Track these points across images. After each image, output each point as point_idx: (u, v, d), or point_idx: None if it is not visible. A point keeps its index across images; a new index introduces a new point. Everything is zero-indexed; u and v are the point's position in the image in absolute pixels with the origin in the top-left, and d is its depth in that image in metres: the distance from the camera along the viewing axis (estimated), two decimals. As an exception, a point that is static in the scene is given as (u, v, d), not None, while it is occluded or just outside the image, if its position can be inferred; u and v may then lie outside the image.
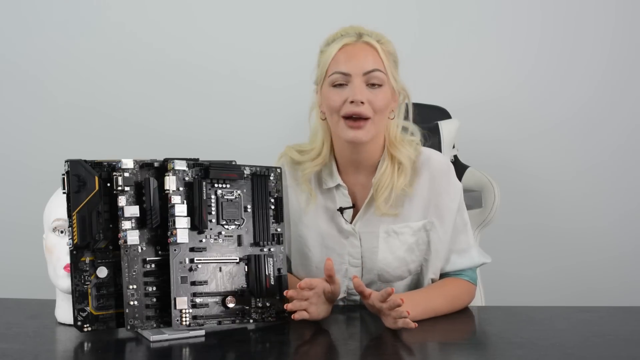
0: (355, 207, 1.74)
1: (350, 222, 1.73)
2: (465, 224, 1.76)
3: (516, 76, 2.54)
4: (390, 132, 1.71)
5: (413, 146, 1.72)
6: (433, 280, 1.72)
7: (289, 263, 1.77)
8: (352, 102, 1.61)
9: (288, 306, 1.49)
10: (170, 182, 1.44)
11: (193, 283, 1.45)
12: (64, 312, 1.54)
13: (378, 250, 1.70)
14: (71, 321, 1.45)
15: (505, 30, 2.53)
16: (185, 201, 1.45)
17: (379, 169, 1.70)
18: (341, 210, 1.72)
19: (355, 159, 1.71)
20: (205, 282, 1.47)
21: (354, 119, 1.62)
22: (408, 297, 1.57)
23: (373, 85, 1.63)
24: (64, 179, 1.42)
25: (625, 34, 2.51)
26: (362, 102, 1.61)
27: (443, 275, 1.74)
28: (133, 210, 1.43)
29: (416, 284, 1.74)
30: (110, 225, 1.44)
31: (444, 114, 2.25)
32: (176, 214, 1.43)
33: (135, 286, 1.42)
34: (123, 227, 1.42)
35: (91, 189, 1.41)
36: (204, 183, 1.48)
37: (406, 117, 1.75)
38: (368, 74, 1.63)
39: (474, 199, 2.11)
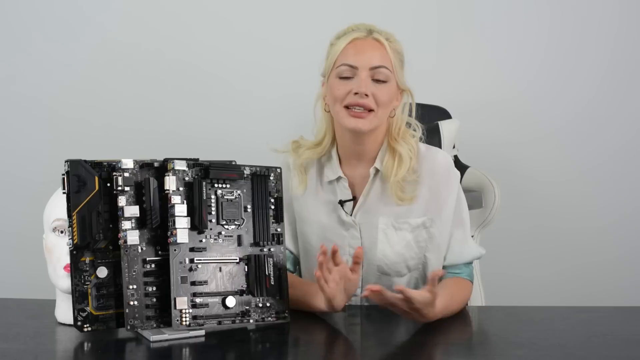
0: (354, 200, 1.75)
1: (351, 215, 1.74)
2: (463, 219, 1.76)
3: (516, 76, 2.54)
4: (394, 126, 1.73)
5: (413, 141, 1.74)
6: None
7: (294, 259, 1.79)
8: (356, 93, 1.64)
9: (317, 273, 1.50)
10: (170, 182, 1.44)
11: (193, 283, 1.45)
12: (64, 312, 1.54)
13: (377, 241, 1.71)
14: (71, 321, 1.44)
15: (506, 30, 2.53)
16: (185, 201, 1.45)
17: (379, 158, 1.72)
18: (341, 202, 1.73)
19: (357, 150, 1.73)
20: (205, 282, 1.46)
21: (357, 109, 1.64)
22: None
23: (378, 80, 1.66)
24: (64, 179, 1.42)
25: (627, 37, 2.51)
26: (366, 95, 1.64)
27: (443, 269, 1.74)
28: (133, 210, 1.42)
29: (417, 281, 1.75)
30: (110, 225, 1.44)
31: (444, 114, 2.25)
32: (176, 214, 1.43)
33: (135, 286, 1.42)
34: (123, 227, 1.42)
35: (91, 189, 1.41)
36: (204, 183, 1.47)
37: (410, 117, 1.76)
38: (374, 69, 1.66)
39: (474, 199, 2.10)
